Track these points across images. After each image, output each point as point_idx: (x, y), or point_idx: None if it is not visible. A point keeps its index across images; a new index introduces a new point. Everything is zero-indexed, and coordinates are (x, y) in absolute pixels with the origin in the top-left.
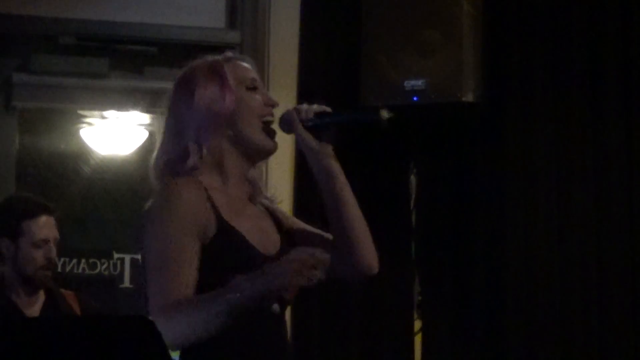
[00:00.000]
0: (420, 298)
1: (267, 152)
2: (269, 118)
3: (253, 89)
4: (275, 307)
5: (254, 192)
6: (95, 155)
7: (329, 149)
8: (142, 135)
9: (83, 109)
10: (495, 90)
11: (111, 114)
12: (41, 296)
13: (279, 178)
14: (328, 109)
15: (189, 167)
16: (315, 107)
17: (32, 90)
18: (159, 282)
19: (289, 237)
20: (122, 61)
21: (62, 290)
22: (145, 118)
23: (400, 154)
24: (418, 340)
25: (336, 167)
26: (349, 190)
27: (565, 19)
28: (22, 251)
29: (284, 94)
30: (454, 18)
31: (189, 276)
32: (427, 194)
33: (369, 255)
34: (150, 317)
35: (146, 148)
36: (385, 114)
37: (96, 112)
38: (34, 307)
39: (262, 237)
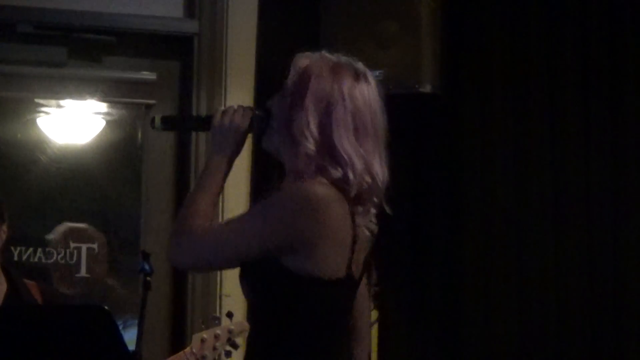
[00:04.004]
0: (376, 288)
1: None
2: None
3: None
4: None
5: None
6: (53, 144)
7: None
8: (100, 125)
9: (40, 97)
10: (453, 81)
11: (69, 103)
12: (3, 286)
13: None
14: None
15: None
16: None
17: None
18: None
19: None
20: (80, 50)
21: (25, 281)
22: (103, 107)
23: None
24: (374, 331)
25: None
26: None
27: (524, 10)
28: None
29: (241, 84)
30: (413, 9)
31: None
32: None
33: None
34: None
35: (103, 137)
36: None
37: (54, 101)
38: None
39: None
